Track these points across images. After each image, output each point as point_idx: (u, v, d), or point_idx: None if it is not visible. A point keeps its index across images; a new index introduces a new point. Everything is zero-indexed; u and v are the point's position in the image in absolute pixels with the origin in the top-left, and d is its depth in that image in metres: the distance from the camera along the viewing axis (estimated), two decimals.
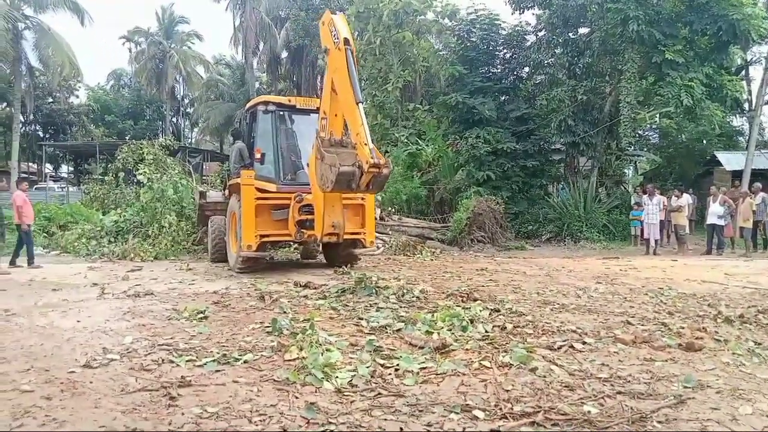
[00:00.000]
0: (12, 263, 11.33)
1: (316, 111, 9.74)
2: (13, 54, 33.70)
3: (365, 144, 7.64)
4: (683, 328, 5.74)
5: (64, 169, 51.06)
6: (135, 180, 18.33)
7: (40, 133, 48.25)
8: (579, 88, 19.51)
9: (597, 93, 20.34)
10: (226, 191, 11.49)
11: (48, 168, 48.08)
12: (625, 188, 22.88)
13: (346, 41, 8.25)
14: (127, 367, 4.46)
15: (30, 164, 48.28)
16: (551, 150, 22.20)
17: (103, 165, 32.06)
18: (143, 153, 17.44)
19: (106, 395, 3.84)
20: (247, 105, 11.32)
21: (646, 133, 26.50)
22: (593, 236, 18.15)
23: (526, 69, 22.82)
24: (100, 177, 24.36)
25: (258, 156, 9.80)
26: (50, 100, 45.90)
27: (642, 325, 5.95)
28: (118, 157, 19.41)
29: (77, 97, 49.67)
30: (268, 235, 9.68)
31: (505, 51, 22.47)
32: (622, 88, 18.37)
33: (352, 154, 7.86)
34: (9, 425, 3.34)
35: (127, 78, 53.60)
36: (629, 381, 4.17)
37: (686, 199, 15.96)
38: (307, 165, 9.21)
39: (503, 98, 21.79)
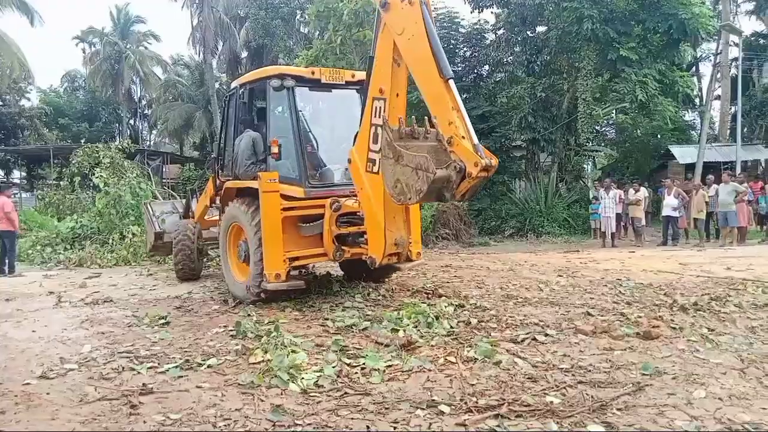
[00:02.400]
0: (4, 272, 10.98)
1: (345, 86, 7.53)
2: None
3: (463, 137, 5.39)
4: (641, 317, 5.91)
5: (17, 175, 49.25)
6: (91, 184, 17.84)
7: None
8: (538, 85, 19.87)
9: (555, 90, 20.77)
10: (213, 200, 8.91)
11: None
12: (584, 183, 23.41)
13: None
14: (86, 376, 4.35)
15: None
16: (512, 147, 22.55)
17: (58, 170, 31.03)
18: (99, 156, 16.94)
19: (64, 406, 3.73)
20: (246, 78, 8.08)
21: (604, 128, 27.16)
22: (554, 230, 18.53)
23: (486, 67, 23.11)
24: (54, 182, 23.61)
25: (275, 150, 7.08)
26: (0, 103, 44.24)
27: (602, 315, 6.10)
28: (73, 161, 18.82)
29: (29, 99, 47.83)
30: (297, 258, 7.17)
31: (465, 49, 22.72)
32: (579, 85, 18.80)
33: (435, 150, 5.48)
34: None
35: (81, 80, 52.04)
36: (590, 370, 4.28)
37: (643, 192, 16.42)
38: (348, 161, 6.71)
39: (464, 96, 21.98)
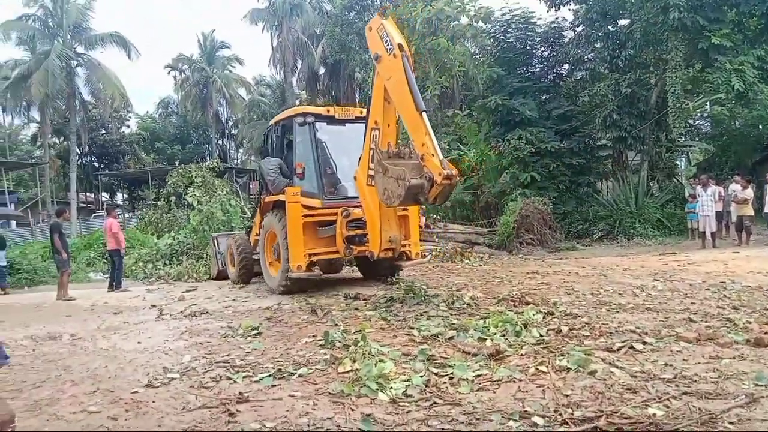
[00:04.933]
0: (112, 287, 11.85)
1: (356, 120, 9.46)
2: (67, 90, 35.51)
3: (433, 155, 6.94)
4: (750, 322, 5.49)
5: (120, 197, 53.10)
6: (186, 203, 18.94)
7: (96, 164, 50.43)
8: (622, 81, 19.04)
9: (642, 85, 19.79)
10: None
11: (104, 196, 50.13)
12: (678, 180, 22.12)
13: (401, 47, 7.53)
14: (187, 385, 4.57)
15: (87, 194, 50.52)
16: (597, 146, 21.73)
17: (156, 190, 33.26)
18: (192, 176, 18.02)
19: (169, 414, 3.94)
20: (279, 117, 10.52)
21: (697, 122, 25.59)
22: (647, 232, 17.61)
23: (566, 66, 22.48)
24: (153, 202, 25.27)
25: (299, 171, 9.26)
26: (103, 131, 47.99)
27: (705, 321, 5.72)
28: (169, 182, 20.09)
29: (128, 126, 51.82)
30: (315, 254, 9.15)
31: (543, 49, 22.20)
32: (668, 78, 17.81)
33: (416, 166, 7.11)
34: None
35: (174, 105, 55.48)
36: (695, 381, 4.00)
37: (750, 190, 15.15)
38: (354, 178, 8.58)
39: (544, 97, 21.48)
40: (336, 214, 8.97)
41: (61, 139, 46.30)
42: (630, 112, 19.62)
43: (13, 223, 32.07)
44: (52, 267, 15.53)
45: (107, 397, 4.35)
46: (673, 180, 21.60)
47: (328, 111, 9.77)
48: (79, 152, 43.78)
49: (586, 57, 21.38)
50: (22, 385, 4.78)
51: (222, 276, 12.18)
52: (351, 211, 8.87)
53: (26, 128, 49.18)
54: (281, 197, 9.24)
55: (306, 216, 9.01)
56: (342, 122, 9.68)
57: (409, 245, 9.51)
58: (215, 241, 12.71)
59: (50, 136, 41.76)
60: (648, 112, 19.70)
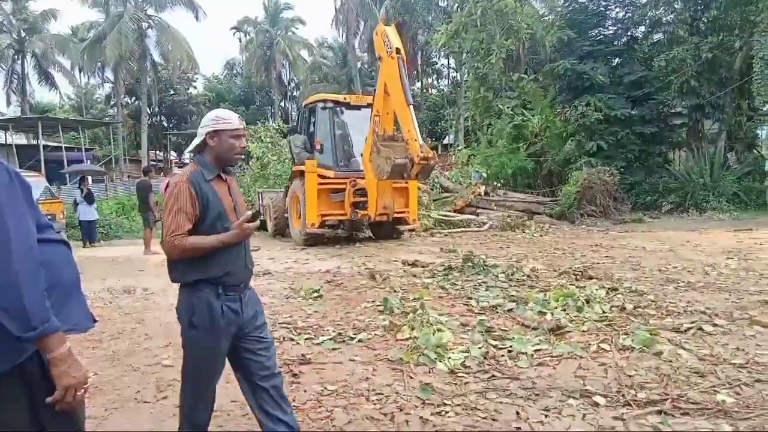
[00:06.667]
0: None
1: (367, 106, 11.09)
2: (138, 52, 36.66)
3: (415, 140, 8.79)
4: None
5: (187, 157, 54.96)
6: (249, 165, 19.49)
7: (165, 124, 52.20)
8: (703, 45, 17.84)
9: (725, 49, 18.48)
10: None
11: (173, 155, 51.99)
12: (758, 152, 20.76)
13: (398, 50, 9.30)
14: None
15: (157, 153, 52.52)
16: (671, 114, 20.60)
17: None
18: (260, 135, 18.85)
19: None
20: (306, 102, 12.86)
21: None
22: (722, 206, 16.72)
23: (642, 28, 21.27)
24: None
25: (318, 147, 11.20)
26: (172, 92, 49.43)
27: None
28: None
29: (195, 87, 53.15)
30: (327, 215, 11.11)
31: (617, 10, 21.08)
32: (756, 42, 16.54)
33: (403, 148, 9.02)
34: (154, 396, 3.70)
35: (239, 67, 56.37)
36: None
37: None
38: (360, 155, 10.62)
39: (616, 61, 20.45)
40: (346, 183, 10.94)
41: (133, 99, 48.04)
42: (710, 78, 18.45)
43: (89, 179, 33.78)
44: (126, 223, 16.40)
45: (179, 352, 4.54)
46: (753, 152, 20.31)
47: (345, 98, 11.91)
48: (149, 112, 45.33)
49: (664, 19, 20.12)
50: (101, 336, 5.12)
51: (263, 226, 14.25)
52: (358, 181, 10.79)
53: (101, 88, 51.31)
54: (303, 168, 11.04)
55: (321, 184, 10.93)
56: (357, 107, 11.60)
57: (408, 212, 11.59)
58: (260, 195, 15.04)
59: (123, 96, 43.39)
60: (730, 79, 18.46)
